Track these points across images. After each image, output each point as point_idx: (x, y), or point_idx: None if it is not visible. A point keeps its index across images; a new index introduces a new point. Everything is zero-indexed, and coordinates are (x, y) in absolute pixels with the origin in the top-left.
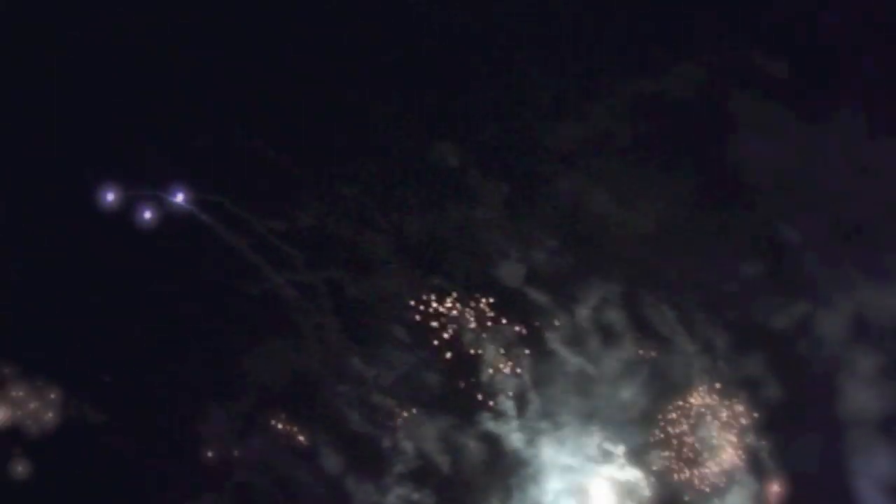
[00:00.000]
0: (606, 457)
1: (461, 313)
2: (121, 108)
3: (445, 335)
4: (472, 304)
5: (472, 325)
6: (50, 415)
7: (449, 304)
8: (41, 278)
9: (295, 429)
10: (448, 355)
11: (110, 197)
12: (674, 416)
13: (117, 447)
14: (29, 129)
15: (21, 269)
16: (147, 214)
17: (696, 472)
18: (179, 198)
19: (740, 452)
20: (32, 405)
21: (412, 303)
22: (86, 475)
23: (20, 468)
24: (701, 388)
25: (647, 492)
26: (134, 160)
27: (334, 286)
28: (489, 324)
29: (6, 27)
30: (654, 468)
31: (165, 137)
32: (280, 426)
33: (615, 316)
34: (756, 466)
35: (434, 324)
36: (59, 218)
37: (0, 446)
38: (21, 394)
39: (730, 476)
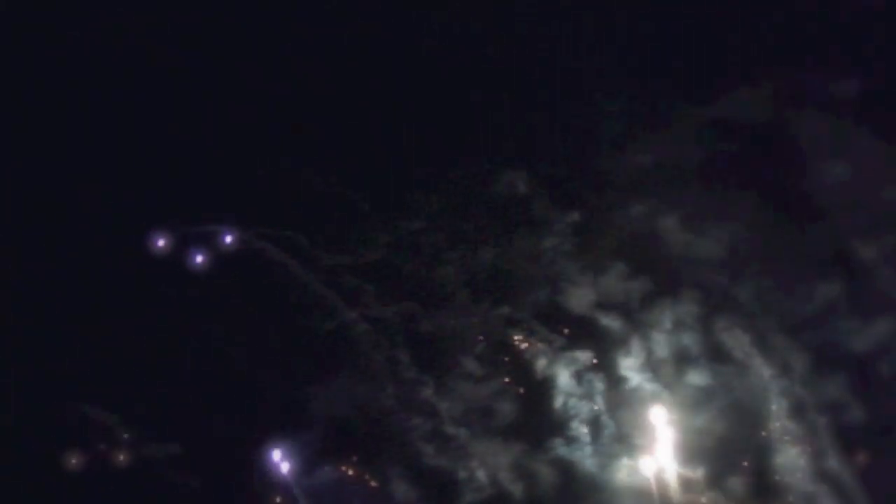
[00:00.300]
0: (684, 483)
1: (532, 342)
2: (192, 146)
3: (517, 363)
4: (543, 332)
5: (544, 353)
6: (121, 454)
7: (520, 334)
8: (110, 317)
9: (366, 461)
10: (520, 383)
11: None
12: (752, 440)
13: (187, 483)
14: (100, 172)
15: (89, 307)
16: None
17: (776, 497)
18: (228, 239)
19: (821, 477)
20: (104, 444)
21: (483, 334)
22: None
23: None
24: (779, 412)
25: None
26: (203, 197)
27: (405, 319)
28: (561, 351)
29: (65, 71)
30: (734, 494)
31: (235, 174)
32: (352, 459)
33: (688, 340)
34: (838, 492)
35: (505, 353)
36: (128, 257)
37: (75, 484)
38: (93, 433)
39: (811, 502)
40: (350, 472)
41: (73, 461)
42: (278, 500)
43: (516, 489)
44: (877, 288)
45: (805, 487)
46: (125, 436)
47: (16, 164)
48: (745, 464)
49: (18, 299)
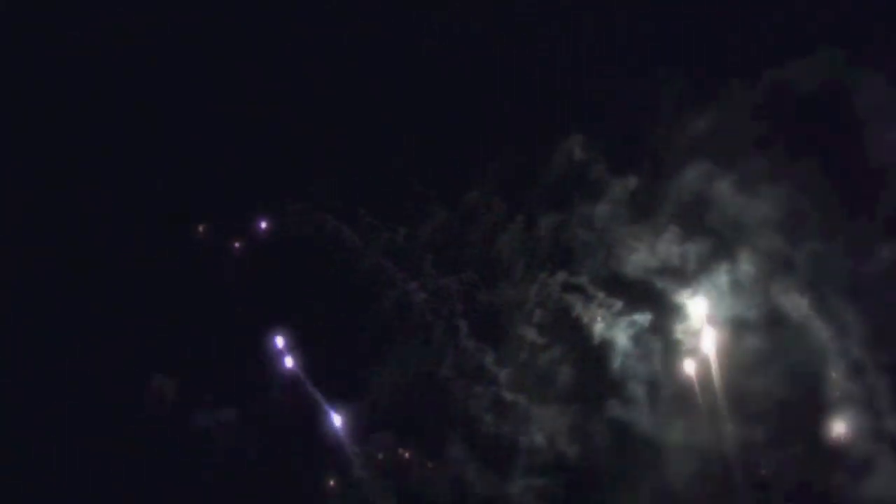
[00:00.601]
0: (742, 443)
1: (590, 307)
2: (259, 123)
3: (575, 329)
4: (601, 297)
5: (602, 317)
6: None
7: (578, 300)
8: (174, 289)
9: (427, 428)
10: (578, 348)
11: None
12: (810, 402)
13: (248, 449)
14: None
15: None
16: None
17: (835, 458)
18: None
19: (881, 438)
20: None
21: (541, 300)
22: (214, 476)
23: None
24: (838, 375)
25: (784, 480)
26: (267, 174)
27: (465, 289)
28: (618, 315)
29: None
30: (793, 455)
31: (298, 151)
32: (412, 426)
33: (746, 303)
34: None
35: (564, 318)
36: (189, 236)
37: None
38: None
39: (871, 461)
40: (411, 441)
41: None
42: (339, 466)
43: (574, 451)
44: None
45: (865, 448)
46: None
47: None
48: (804, 425)
49: (90, 275)
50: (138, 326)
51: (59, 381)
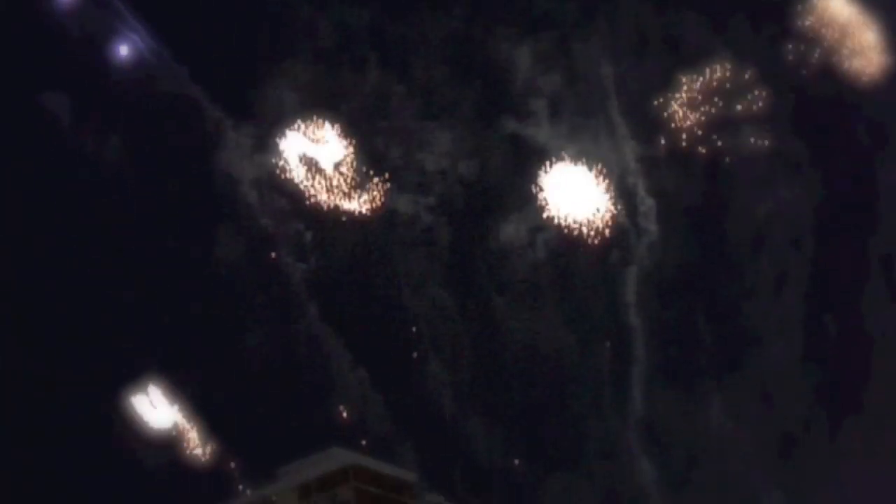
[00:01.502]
0: (642, 159)
1: (494, 30)
2: None
3: (480, 55)
4: (510, 17)
5: (507, 40)
6: None
7: (480, 26)
8: None
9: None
10: (482, 70)
11: None
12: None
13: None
14: None
15: None
16: None
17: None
18: None
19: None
20: None
21: (446, 33)
22: None
23: None
24: (740, 97)
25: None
26: None
27: (373, 26)
28: (523, 37)
29: None
30: (689, 172)
31: None
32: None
33: (644, 26)
34: (792, 166)
35: (469, 48)
36: None
37: None
38: None
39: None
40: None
41: None
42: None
43: (473, 167)
44: None
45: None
46: None
47: None
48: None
49: None
50: None
51: None
